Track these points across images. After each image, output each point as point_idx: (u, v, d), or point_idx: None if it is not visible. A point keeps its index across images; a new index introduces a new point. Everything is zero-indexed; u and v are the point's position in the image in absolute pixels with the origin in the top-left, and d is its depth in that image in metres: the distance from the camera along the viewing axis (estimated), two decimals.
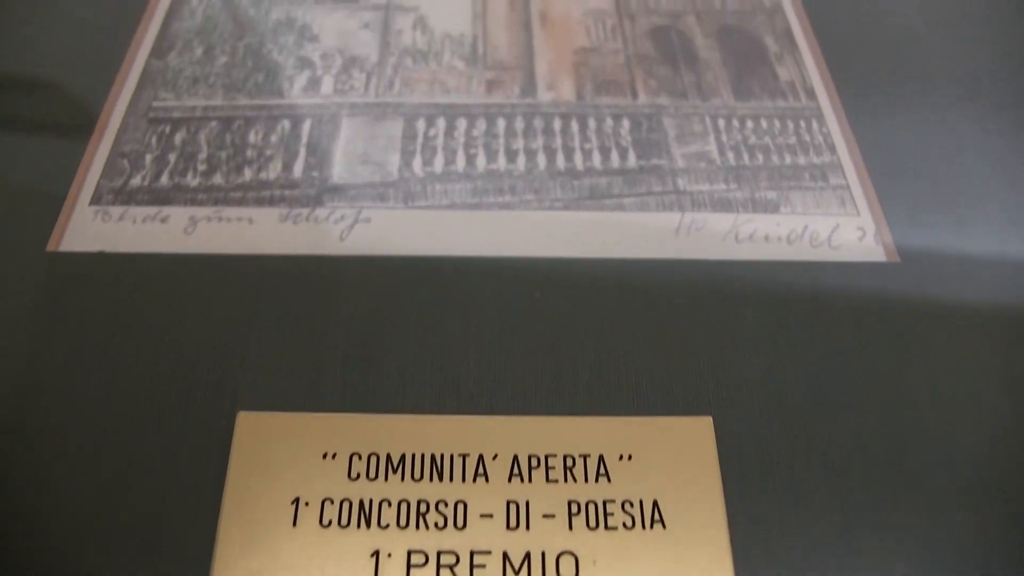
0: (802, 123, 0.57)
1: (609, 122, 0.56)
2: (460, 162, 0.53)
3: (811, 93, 0.58)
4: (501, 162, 0.53)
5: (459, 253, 0.49)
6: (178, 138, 0.55)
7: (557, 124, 0.55)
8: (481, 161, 0.53)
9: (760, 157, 0.55)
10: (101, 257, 0.49)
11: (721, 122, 0.56)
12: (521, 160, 0.53)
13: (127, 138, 0.55)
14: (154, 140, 0.54)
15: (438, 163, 0.53)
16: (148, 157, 0.54)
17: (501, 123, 0.55)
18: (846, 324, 0.47)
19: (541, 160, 0.54)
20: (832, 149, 0.55)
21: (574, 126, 0.55)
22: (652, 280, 0.49)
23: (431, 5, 0.62)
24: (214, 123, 0.55)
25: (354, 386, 0.44)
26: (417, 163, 0.53)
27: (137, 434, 0.42)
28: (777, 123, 0.57)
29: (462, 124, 0.55)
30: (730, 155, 0.55)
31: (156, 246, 0.50)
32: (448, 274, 0.48)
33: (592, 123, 0.56)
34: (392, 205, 0.51)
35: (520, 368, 0.44)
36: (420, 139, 0.54)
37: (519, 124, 0.55)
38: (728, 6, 0.64)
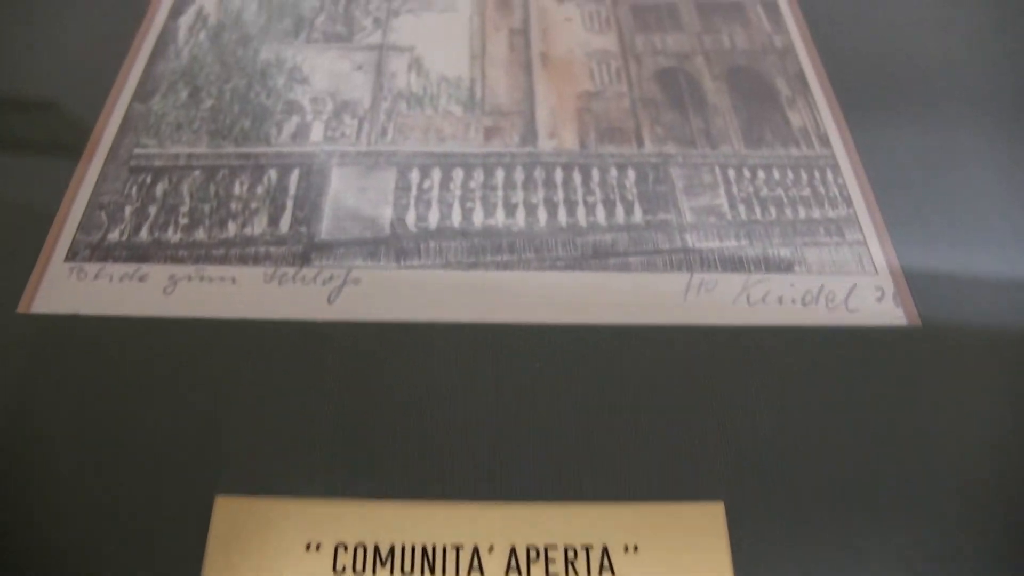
0: (816, 173, 0.54)
1: (614, 173, 0.53)
2: (456, 217, 0.51)
3: (825, 140, 0.56)
4: (499, 217, 0.51)
5: (454, 319, 0.46)
6: (159, 189, 0.52)
7: (559, 175, 0.53)
8: (478, 216, 0.51)
9: (773, 211, 0.52)
10: (75, 320, 0.47)
11: (731, 172, 0.54)
12: (521, 215, 0.51)
13: (106, 188, 0.52)
14: (134, 191, 0.52)
15: (433, 218, 0.50)
16: (127, 209, 0.51)
17: (500, 174, 0.53)
18: (864, 396, 0.45)
19: (542, 215, 0.51)
20: (848, 202, 0.53)
21: (577, 177, 0.53)
22: (659, 349, 0.46)
23: (427, 46, 0.60)
24: (197, 172, 0.53)
25: (340, 467, 0.41)
26: (410, 217, 0.50)
27: (106, 517, 0.39)
28: (790, 173, 0.54)
29: (459, 175, 0.52)
30: (741, 208, 0.52)
31: (133, 307, 0.47)
32: (442, 343, 0.45)
33: (596, 174, 0.53)
34: (383, 264, 0.48)
35: (518, 448, 0.42)
36: (414, 191, 0.52)
37: (519, 175, 0.53)
38: (738, 46, 0.61)
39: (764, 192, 0.53)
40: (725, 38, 0.61)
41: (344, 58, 0.59)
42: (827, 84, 0.59)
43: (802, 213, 0.52)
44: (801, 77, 0.59)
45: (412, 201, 0.51)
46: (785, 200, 0.53)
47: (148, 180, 0.53)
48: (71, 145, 0.55)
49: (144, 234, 0.50)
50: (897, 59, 0.62)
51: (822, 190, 0.53)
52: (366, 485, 0.41)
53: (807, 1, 0.65)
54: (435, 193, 0.52)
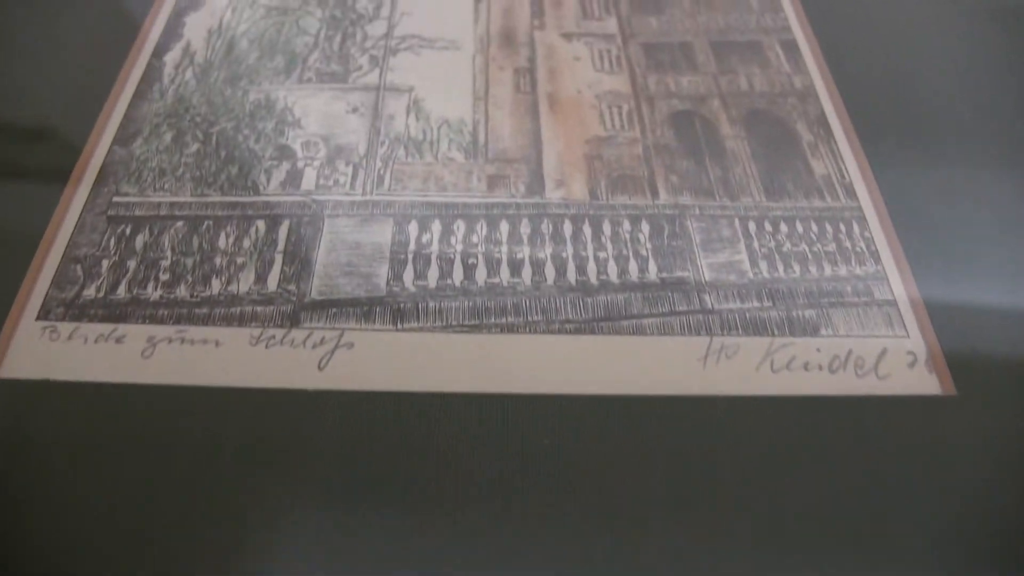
0: (842, 226, 0.51)
1: (626, 225, 0.50)
2: (457, 274, 0.47)
3: (850, 191, 0.52)
4: (504, 275, 0.47)
5: (454, 389, 0.43)
6: (139, 241, 0.49)
7: (567, 228, 0.49)
8: (481, 273, 0.47)
9: (796, 268, 0.49)
10: (47, 387, 0.43)
11: (752, 225, 0.50)
12: (527, 272, 0.47)
13: (83, 240, 0.49)
14: (112, 242, 0.49)
15: (432, 275, 0.47)
16: (105, 263, 0.48)
17: (504, 226, 0.49)
18: (895, 474, 0.41)
19: (549, 272, 0.48)
20: (876, 257, 0.49)
21: (587, 230, 0.49)
22: (677, 422, 0.43)
23: (427, 86, 0.56)
24: (180, 223, 0.49)
25: (330, 547, 0.37)
26: (408, 275, 0.47)
27: None
28: (814, 226, 0.51)
29: (460, 227, 0.49)
30: (763, 265, 0.49)
31: (110, 372, 0.44)
32: (441, 415, 0.42)
33: (607, 227, 0.50)
34: (379, 326, 0.45)
35: (525, 529, 0.38)
36: (412, 246, 0.48)
37: (524, 228, 0.49)
38: (756, 87, 0.58)
39: (787, 247, 0.50)
40: (742, 79, 0.58)
41: (339, 99, 0.56)
42: (850, 128, 0.56)
43: (828, 270, 0.49)
44: (823, 121, 0.56)
45: (410, 257, 0.48)
46: (809, 256, 0.50)
47: (127, 231, 0.49)
48: (47, 193, 0.51)
49: (122, 291, 0.47)
50: (923, 99, 0.59)
51: (848, 245, 0.50)
52: (358, 568, 0.37)
53: (826, 39, 0.62)
54: (435, 248, 0.48)
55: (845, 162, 0.54)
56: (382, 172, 0.52)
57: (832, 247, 0.50)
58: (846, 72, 0.60)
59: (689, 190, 0.52)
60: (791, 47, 0.61)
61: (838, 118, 0.57)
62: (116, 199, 0.51)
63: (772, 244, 0.50)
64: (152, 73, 0.57)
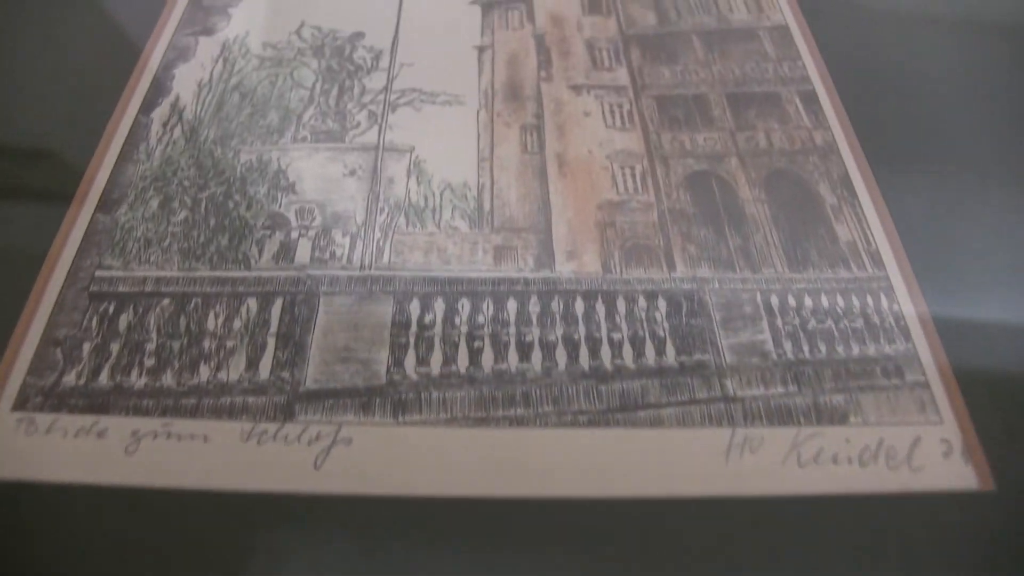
0: (869, 299, 0.48)
1: (642, 302, 0.47)
2: (462, 360, 0.44)
3: (877, 259, 0.50)
4: (512, 360, 0.44)
5: (460, 492, 0.40)
6: (123, 321, 0.46)
7: (579, 306, 0.47)
8: (487, 358, 0.44)
9: (823, 348, 0.46)
10: (22, 489, 0.40)
11: (775, 300, 0.48)
12: (536, 357, 0.45)
13: (63, 319, 0.46)
14: (94, 323, 0.46)
15: (435, 361, 0.44)
16: (86, 346, 0.45)
17: (512, 306, 0.46)
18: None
19: (561, 357, 0.45)
20: (906, 334, 0.47)
21: (600, 309, 0.47)
22: (700, 526, 0.40)
23: (429, 146, 0.54)
24: (167, 301, 0.47)
25: None
26: (410, 361, 0.44)
27: None
28: (840, 300, 0.48)
29: (465, 307, 0.46)
30: (787, 346, 0.46)
31: (90, 472, 0.41)
32: (445, 522, 0.39)
33: (622, 304, 0.47)
34: (379, 419, 0.42)
35: None
36: (414, 327, 0.45)
37: (533, 306, 0.46)
38: (775, 144, 0.55)
39: (812, 324, 0.47)
40: (761, 136, 0.56)
41: (335, 161, 0.53)
42: (875, 188, 0.54)
43: (855, 350, 0.46)
44: (846, 181, 0.53)
45: (412, 340, 0.45)
46: (836, 334, 0.47)
47: (110, 309, 0.46)
48: (25, 266, 0.48)
49: (104, 378, 0.44)
50: (951, 153, 0.56)
51: (876, 320, 0.47)
52: None
53: (846, 89, 0.59)
54: (438, 329, 0.46)
55: (870, 226, 0.51)
56: (381, 243, 0.49)
57: (859, 323, 0.47)
58: (868, 125, 0.57)
59: (708, 261, 0.49)
60: (810, 99, 0.58)
61: (862, 177, 0.54)
62: (99, 273, 0.48)
63: (796, 321, 0.47)
64: (139, 131, 0.55)
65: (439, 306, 0.47)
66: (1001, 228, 0.52)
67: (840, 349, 0.47)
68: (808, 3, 0.66)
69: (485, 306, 0.47)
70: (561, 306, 0.47)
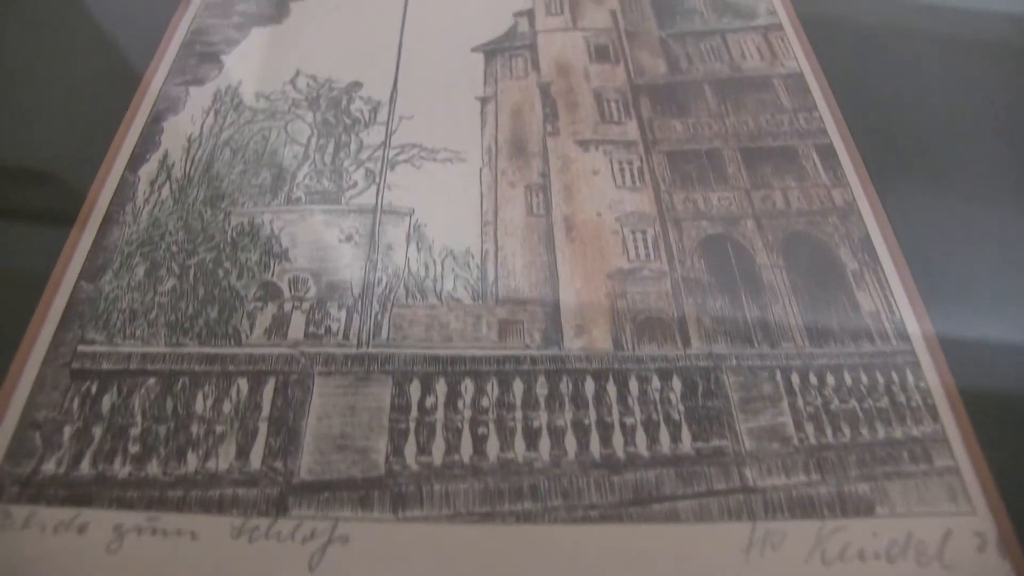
0: (894, 375, 0.46)
1: (655, 382, 0.45)
2: (465, 448, 0.42)
3: (902, 331, 0.47)
4: (518, 448, 0.42)
5: None
6: (106, 402, 0.44)
7: (589, 386, 0.44)
8: (493, 446, 0.42)
9: (847, 431, 0.44)
10: None
11: (795, 378, 0.45)
12: (544, 445, 0.42)
13: (42, 400, 0.44)
14: (76, 404, 0.43)
15: (437, 450, 0.42)
16: (67, 430, 0.43)
17: (518, 387, 0.44)
18: None
19: (570, 444, 0.42)
20: (934, 414, 0.45)
21: (611, 390, 0.44)
22: None
23: (430, 208, 0.51)
24: (152, 380, 0.44)
25: None
26: (410, 449, 0.42)
27: None
28: (864, 377, 0.46)
29: (468, 388, 0.44)
30: (809, 429, 0.44)
31: (69, 574, 0.38)
32: None
33: (634, 384, 0.45)
34: (377, 515, 0.40)
35: None
36: (414, 412, 0.43)
37: (541, 388, 0.44)
38: (793, 204, 0.53)
39: (835, 404, 0.45)
40: (778, 195, 0.53)
41: (331, 225, 0.51)
42: (897, 252, 0.51)
43: (881, 432, 0.44)
44: (867, 243, 0.51)
45: (412, 426, 0.43)
46: (860, 415, 0.45)
47: (93, 389, 0.44)
48: (4, 340, 0.46)
49: (86, 466, 0.42)
50: (978, 210, 0.54)
51: (902, 398, 0.45)
52: None
53: (865, 142, 0.57)
54: (440, 415, 0.43)
55: (894, 294, 0.49)
56: (379, 317, 0.47)
57: (885, 402, 0.45)
58: (889, 181, 0.55)
59: (724, 335, 0.47)
60: (828, 153, 0.56)
61: (883, 238, 0.52)
62: (81, 348, 0.46)
63: (819, 401, 0.45)
64: (125, 190, 0.52)
65: (441, 388, 0.44)
66: None
67: (864, 432, 0.44)
68: (822, 49, 0.63)
69: (490, 387, 0.44)
70: (570, 387, 0.45)
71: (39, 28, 0.62)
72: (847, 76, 0.62)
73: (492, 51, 0.62)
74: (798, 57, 0.63)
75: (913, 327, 0.49)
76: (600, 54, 0.62)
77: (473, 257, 0.49)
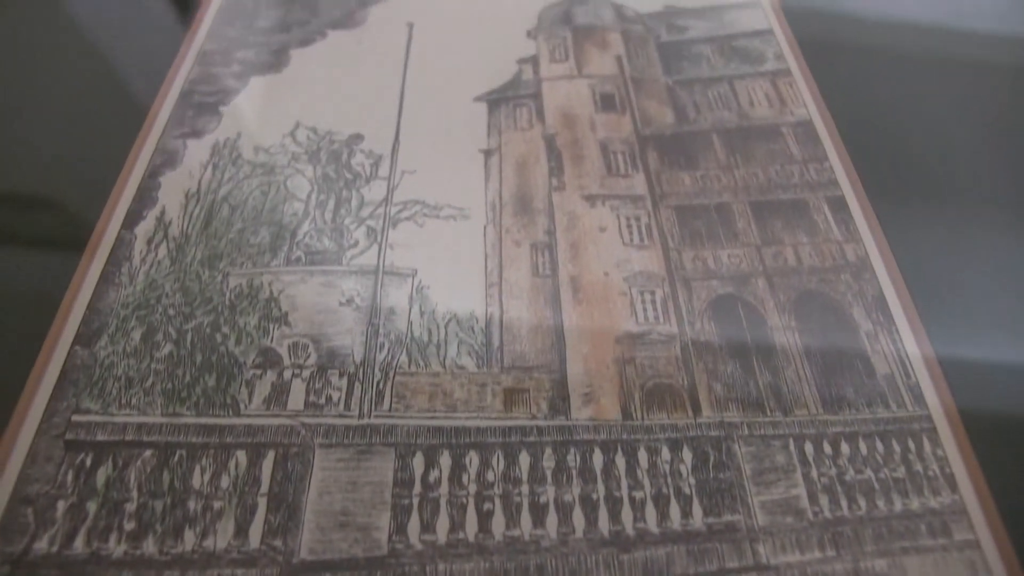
0: (910, 443, 0.45)
1: (665, 453, 0.44)
2: (470, 525, 0.41)
3: (917, 394, 0.47)
4: (525, 525, 0.41)
5: None
6: (101, 475, 0.43)
7: (598, 459, 0.44)
8: (498, 523, 0.41)
9: (862, 503, 0.43)
10: None
11: (809, 447, 0.44)
12: (552, 521, 0.41)
13: (35, 473, 0.43)
14: (70, 477, 0.43)
15: (441, 527, 0.41)
16: (60, 505, 0.42)
17: (524, 460, 0.43)
18: None
19: (578, 520, 0.42)
20: (952, 484, 0.44)
21: (620, 462, 0.44)
22: None
23: (433, 269, 0.51)
24: (149, 453, 0.43)
25: None
26: (413, 527, 0.41)
27: None
28: (880, 444, 0.45)
29: (473, 461, 0.43)
30: (824, 502, 0.43)
31: None
32: None
33: (643, 456, 0.44)
34: None
35: None
36: (417, 487, 0.42)
37: (548, 460, 0.43)
38: (804, 261, 0.52)
39: (850, 475, 0.44)
40: (789, 251, 0.53)
41: (331, 287, 0.50)
42: (912, 311, 0.51)
43: (898, 504, 0.43)
44: (882, 303, 0.50)
45: (415, 502, 0.42)
46: (876, 485, 0.44)
47: (88, 462, 0.43)
48: None
49: (80, 544, 0.41)
50: (997, 273, 0.53)
51: (919, 468, 0.44)
52: None
53: (877, 193, 0.56)
54: (444, 490, 0.43)
55: (910, 357, 0.48)
56: (381, 386, 0.46)
57: (901, 472, 0.44)
58: (901, 234, 0.54)
59: (736, 402, 0.46)
60: (839, 206, 0.55)
61: (897, 297, 0.51)
62: (75, 418, 0.45)
63: (833, 472, 0.44)
64: (121, 249, 0.52)
65: (445, 461, 0.43)
66: None
67: (881, 504, 0.43)
68: (832, 95, 0.63)
69: (495, 461, 0.44)
70: (578, 460, 0.44)
71: (32, 84, 0.62)
72: (857, 123, 0.62)
73: (496, 100, 0.61)
74: (807, 104, 0.62)
75: (930, 392, 0.48)
76: (606, 103, 0.61)
77: (477, 321, 0.49)
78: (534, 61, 0.65)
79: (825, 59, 0.66)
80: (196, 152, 0.57)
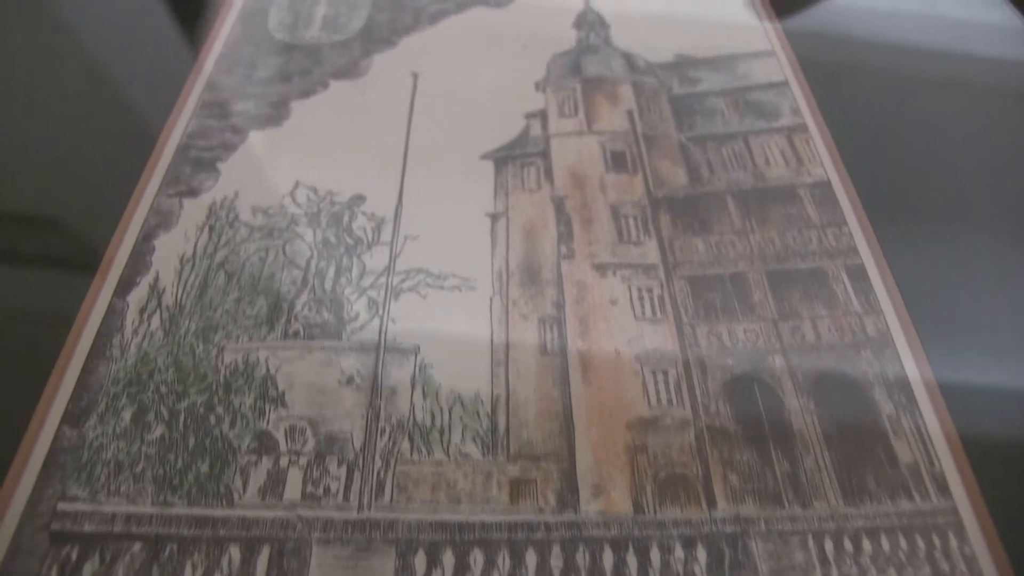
0: (936, 539, 0.43)
1: (679, 552, 0.42)
2: None
3: (942, 484, 0.45)
4: None
5: None
6: (87, 571, 0.41)
7: (608, 559, 0.42)
8: None
9: None
10: None
11: (829, 545, 0.43)
12: None
13: (17, 567, 0.42)
14: (54, 573, 0.41)
15: None
16: None
17: (531, 559, 0.42)
18: None
19: None
20: None
21: (631, 562, 0.42)
22: None
23: (437, 345, 0.49)
24: (138, 547, 0.42)
25: None
26: None
27: None
28: (903, 541, 0.43)
29: (478, 560, 0.42)
30: None
31: None
32: None
33: (656, 555, 0.42)
34: None
35: None
36: None
37: (556, 560, 0.42)
38: (823, 336, 0.51)
39: (872, 575, 0.42)
40: (807, 326, 0.51)
41: (330, 365, 0.48)
42: (936, 392, 0.49)
43: None
44: (903, 383, 0.49)
45: None
46: None
47: (73, 556, 0.42)
48: None
49: None
50: (1018, 355, 0.51)
51: (946, 567, 0.43)
52: None
53: (898, 262, 0.54)
54: None
55: (934, 442, 0.47)
56: (382, 475, 0.44)
57: (926, 571, 0.43)
58: (923, 307, 0.52)
59: (752, 494, 0.44)
60: (859, 275, 0.54)
61: (920, 376, 0.49)
62: (62, 506, 0.43)
63: (855, 571, 0.42)
64: (113, 320, 0.50)
65: (448, 560, 0.42)
66: None
67: None
68: (849, 153, 0.61)
69: (500, 560, 0.42)
70: (587, 559, 0.42)
71: (23, 137, 0.60)
72: (877, 184, 0.60)
73: (503, 159, 0.60)
74: (824, 163, 0.60)
75: (955, 480, 0.46)
76: (617, 162, 0.60)
77: (483, 404, 0.47)
78: (542, 115, 0.63)
79: (842, 113, 0.65)
80: (192, 212, 0.56)
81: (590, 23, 0.71)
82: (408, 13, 0.72)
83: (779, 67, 0.68)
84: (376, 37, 0.70)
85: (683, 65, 0.68)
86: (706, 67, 0.68)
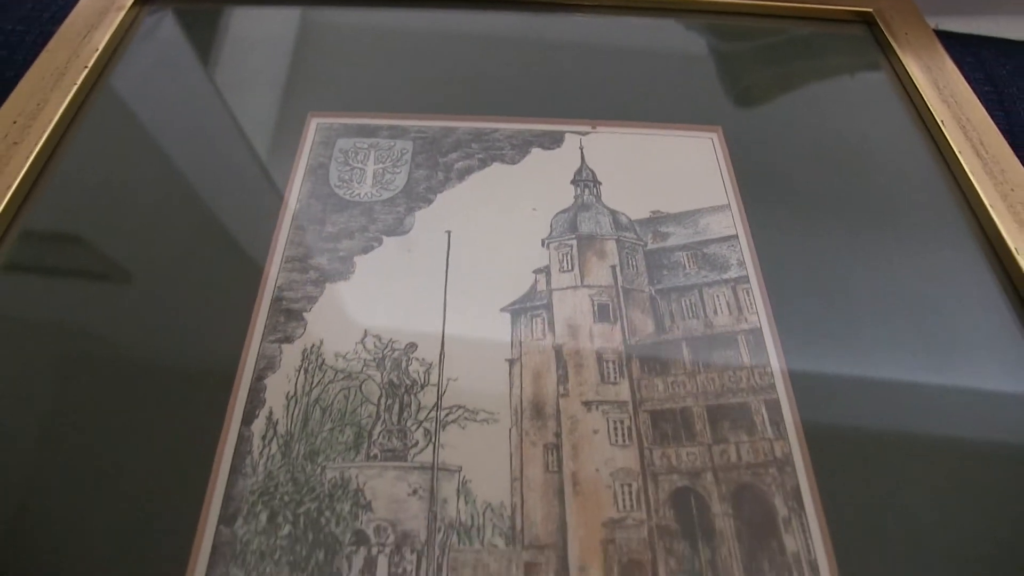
0: None
1: None
2: None
3: (814, 568, 0.78)
4: None
5: None
6: None
7: None
8: None
9: None
10: None
11: None
12: None
13: None
14: None
15: None
16: None
17: None
18: None
19: None
20: None
21: None
22: None
23: (473, 466, 0.81)
24: None
25: None
26: None
27: None
28: None
29: None
30: None
31: None
32: None
33: None
34: None
35: None
36: None
37: None
38: (743, 457, 0.83)
39: None
40: (732, 449, 0.83)
41: (401, 480, 0.81)
42: (819, 503, 0.81)
43: None
44: (796, 494, 0.81)
45: None
46: None
47: None
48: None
49: None
50: (893, 492, 0.84)
51: None
52: None
53: (804, 396, 0.87)
54: None
55: (812, 538, 0.79)
56: (440, 561, 0.77)
57: None
58: (820, 437, 0.84)
59: (683, 574, 0.77)
60: (774, 408, 0.85)
61: (810, 491, 0.82)
62: None
63: None
64: (243, 445, 0.82)
65: None
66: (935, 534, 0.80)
67: None
68: (778, 301, 0.93)
69: None
70: None
71: (149, 300, 0.92)
72: (797, 328, 0.92)
73: (516, 311, 0.92)
74: (759, 311, 0.93)
75: (823, 564, 0.79)
76: (602, 314, 0.92)
77: (505, 509, 0.79)
78: (546, 271, 0.96)
79: (775, 265, 0.97)
80: (290, 357, 0.88)
81: (585, 180, 1.04)
82: (440, 170, 1.04)
83: (731, 219, 1.01)
84: (415, 194, 1.02)
85: (657, 221, 1.00)
86: (674, 222, 1.00)
